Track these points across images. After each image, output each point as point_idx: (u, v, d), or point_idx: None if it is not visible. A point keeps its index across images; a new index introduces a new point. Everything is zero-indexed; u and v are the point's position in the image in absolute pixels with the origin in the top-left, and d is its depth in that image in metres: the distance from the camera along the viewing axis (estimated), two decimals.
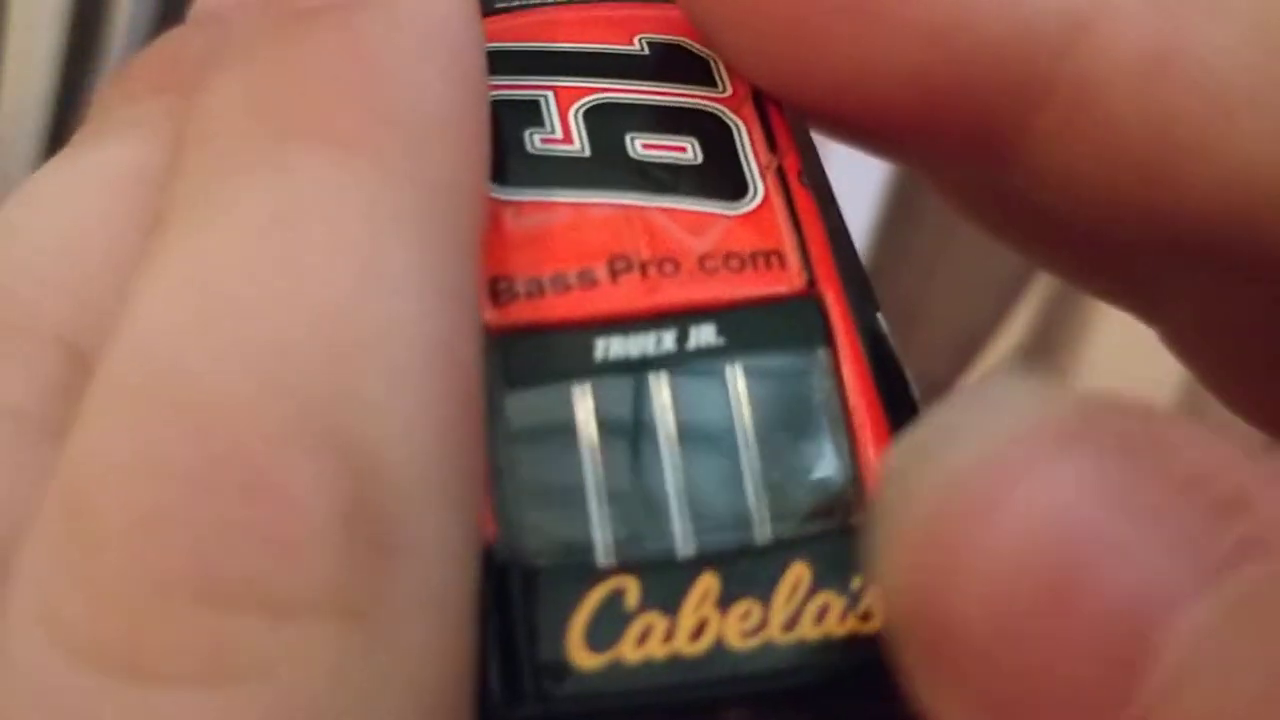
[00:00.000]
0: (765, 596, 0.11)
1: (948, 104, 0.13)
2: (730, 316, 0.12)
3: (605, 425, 0.11)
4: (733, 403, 0.12)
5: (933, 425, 0.10)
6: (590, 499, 0.11)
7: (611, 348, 0.12)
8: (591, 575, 0.11)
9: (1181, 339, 0.16)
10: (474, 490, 0.11)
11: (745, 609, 0.11)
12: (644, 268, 0.12)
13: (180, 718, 0.09)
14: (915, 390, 0.12)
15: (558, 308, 0.12)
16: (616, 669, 0.11)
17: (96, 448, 0.10)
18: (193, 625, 0.09)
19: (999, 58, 0.12)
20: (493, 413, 0.11)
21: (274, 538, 0.09)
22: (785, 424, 0.12)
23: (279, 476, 0.09)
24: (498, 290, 0.12)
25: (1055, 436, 0.10)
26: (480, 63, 0.12)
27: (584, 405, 0.12)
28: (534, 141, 0.13)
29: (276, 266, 0.10)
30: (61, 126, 0.44)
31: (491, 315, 0.12)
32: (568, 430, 0.11)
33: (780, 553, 0.11)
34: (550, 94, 0.13)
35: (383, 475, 0.10)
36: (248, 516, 0.09)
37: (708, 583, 0.11)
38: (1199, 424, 0.10)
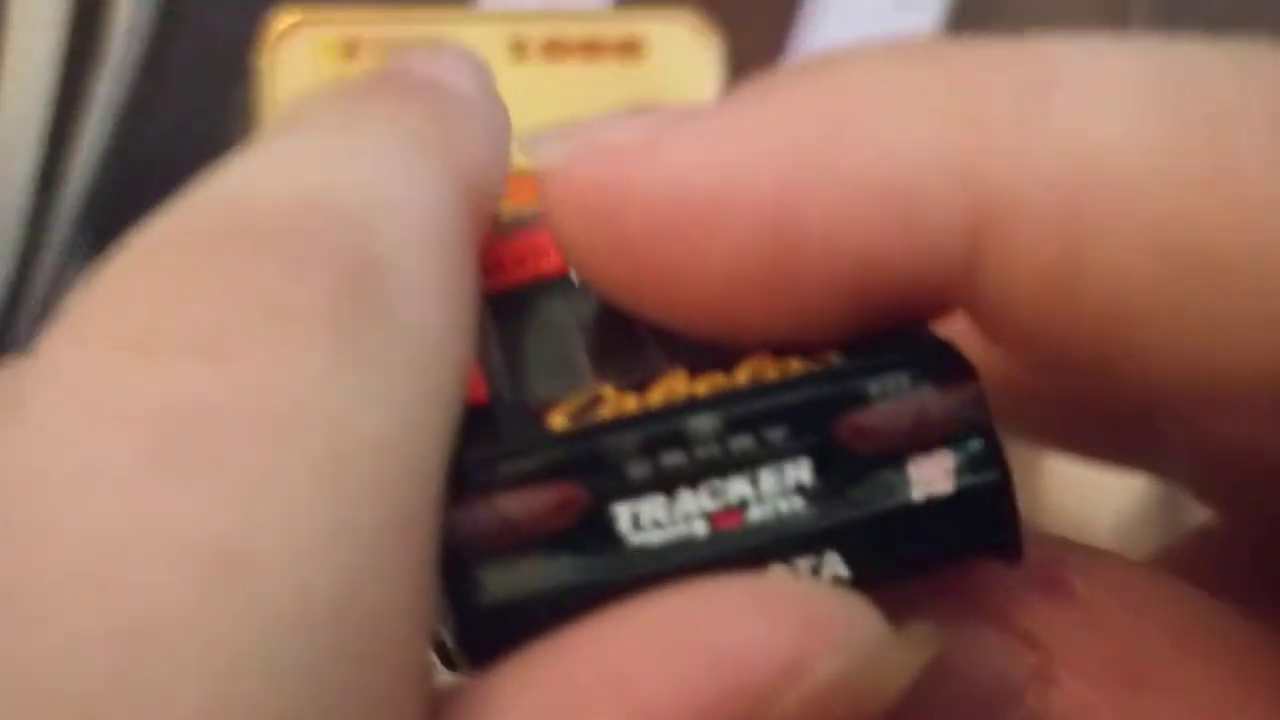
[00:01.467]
0: (729, 369, 0.12)
1: (868, 311, 0.12)
2: None
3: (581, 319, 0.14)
4: None
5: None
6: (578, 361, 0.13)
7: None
8: (572, 384, 0.13)
9: (1201, 485, 0.17)
10: (465, 274, 0.12)
11: (709, 380, 0.12)
12: None
13: (175, 385, 0.10)
14: None
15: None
16: (591, 424, 0.12)
17: None
18: (202, 311, 0.11)
19: (909, 286, 0.12)
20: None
21: (282, 255, 0.11)
22: None
23: (296, 237, 0.11)
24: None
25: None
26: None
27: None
28: None
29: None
30: (61, 126, 0.44)
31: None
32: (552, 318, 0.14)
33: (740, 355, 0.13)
34: None
35: (385, 243, 0.12)
36: (260, 238, 0.11)
37: (676, 374, 0.13)
38: (1007, 573, 0.13)
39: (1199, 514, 0.17)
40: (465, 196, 0.13)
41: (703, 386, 0.12)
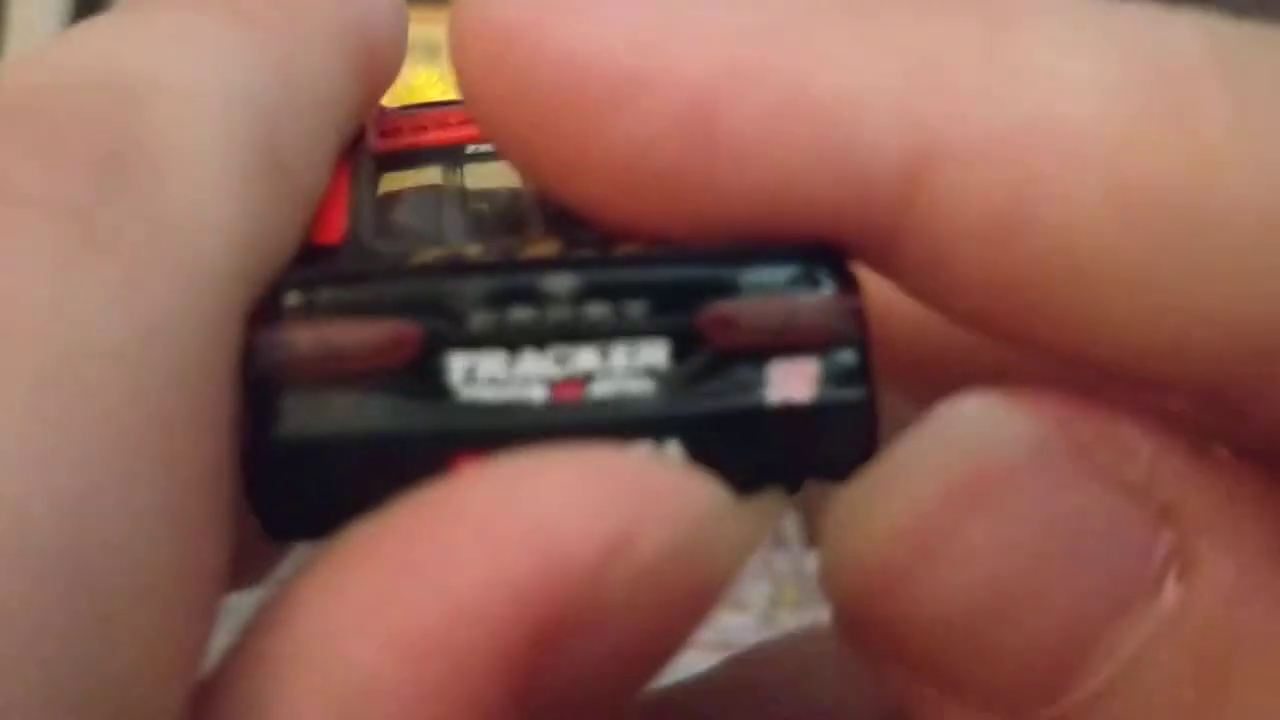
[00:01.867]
0: (607, 246, 0.12)
1: (780, 232, 0.11)
2: None
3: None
4: None
5: (896, 458, 0.11)
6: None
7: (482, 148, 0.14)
8: (439, 244, 0.12)
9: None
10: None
11: (581, 253, 0.12)
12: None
13: None
14: None
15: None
16: (438, 265, 0.11)
17: None
18: None
19: (829, 210, 0.11)
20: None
21: (32, 137, 0.10)
22: None
23: (53, 119, 0.10)
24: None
25: (1012, 466, 0.10)
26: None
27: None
28: None
29: None
30: None
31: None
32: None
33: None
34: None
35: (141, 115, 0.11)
36: (14, 121, 0.10)
37: (547, 245, 0.12)
38: (1154, 428, 0.11)
39: None
40: (293, 77, 0.12)
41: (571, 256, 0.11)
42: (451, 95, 0.13)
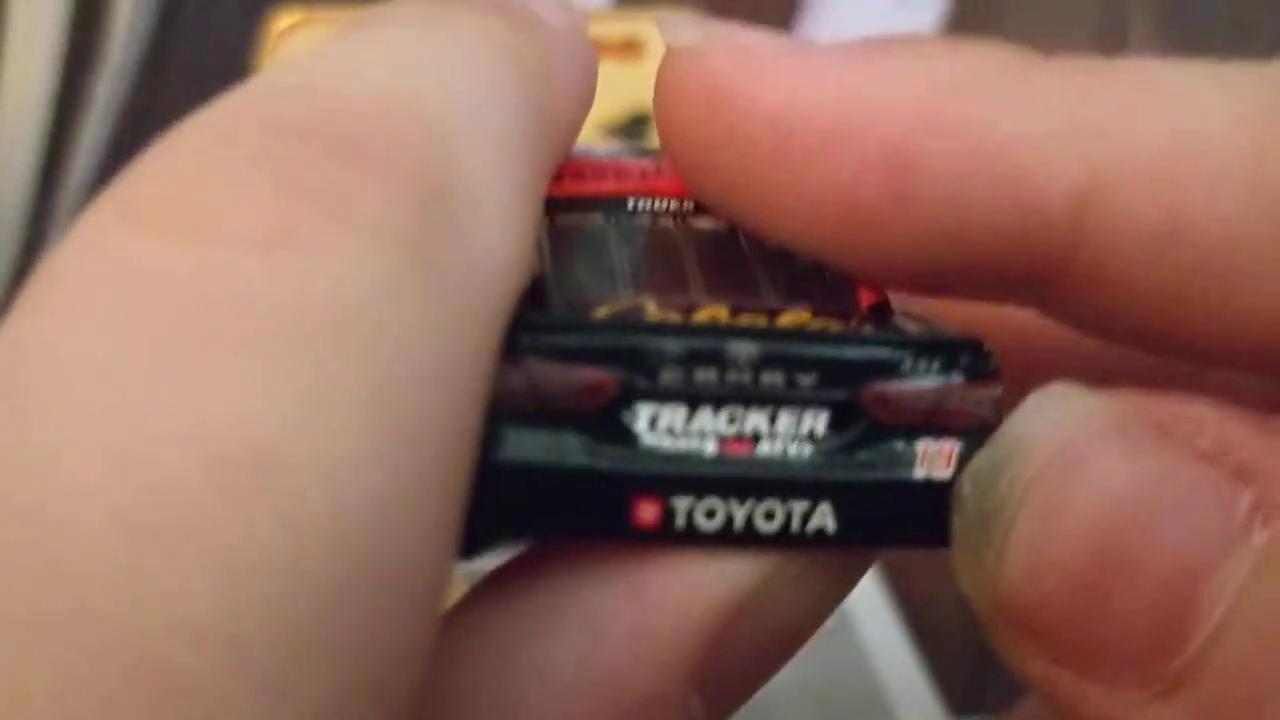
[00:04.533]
0: (771, 317, 0.13)
1: (969, 274, 0.13)
2: None
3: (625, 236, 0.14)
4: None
5: (1002, 439, 0.12)
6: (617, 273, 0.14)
7: (640, 203, 0.15)
8: (615, 291, 0.13)
9: None
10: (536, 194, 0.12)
11: (750, 318, 0.13)
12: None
13: (230, 276, 0.10)
14: None
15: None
16: (639, 322, 0.13)
17: None
18: (266, 205, 0.10)
19: (1010, 241, 0.13)
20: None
21: (359, 157, 0.11)
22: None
23: (376, 141, 0.11)
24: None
25: (1101, 436, 0.12)
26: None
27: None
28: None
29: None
30: (62, 126, 0.44)
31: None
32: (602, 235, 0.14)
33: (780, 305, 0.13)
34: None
35: (455, 163, 0.11)
36: (339, 137, 0.11)
37: (718, 307, 0.13)
38: (1216, 406, 0.12)
39: None
40: (549, 123, 0.13)
41: (744, 322, 0.13)
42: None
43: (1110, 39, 0.40)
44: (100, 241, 0.10)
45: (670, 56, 0.13)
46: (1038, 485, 0.12)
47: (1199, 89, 0.13)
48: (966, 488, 0.12)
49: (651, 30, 0.39)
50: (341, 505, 0.09)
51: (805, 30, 0.43)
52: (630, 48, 0.39)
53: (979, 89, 0.13)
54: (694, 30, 0.13)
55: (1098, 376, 0.13)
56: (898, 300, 0.14)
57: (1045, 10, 0.41)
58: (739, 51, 0.13)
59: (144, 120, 0.43)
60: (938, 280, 0.13)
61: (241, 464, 0.09)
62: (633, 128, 0.39)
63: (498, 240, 0.11)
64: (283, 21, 0.41)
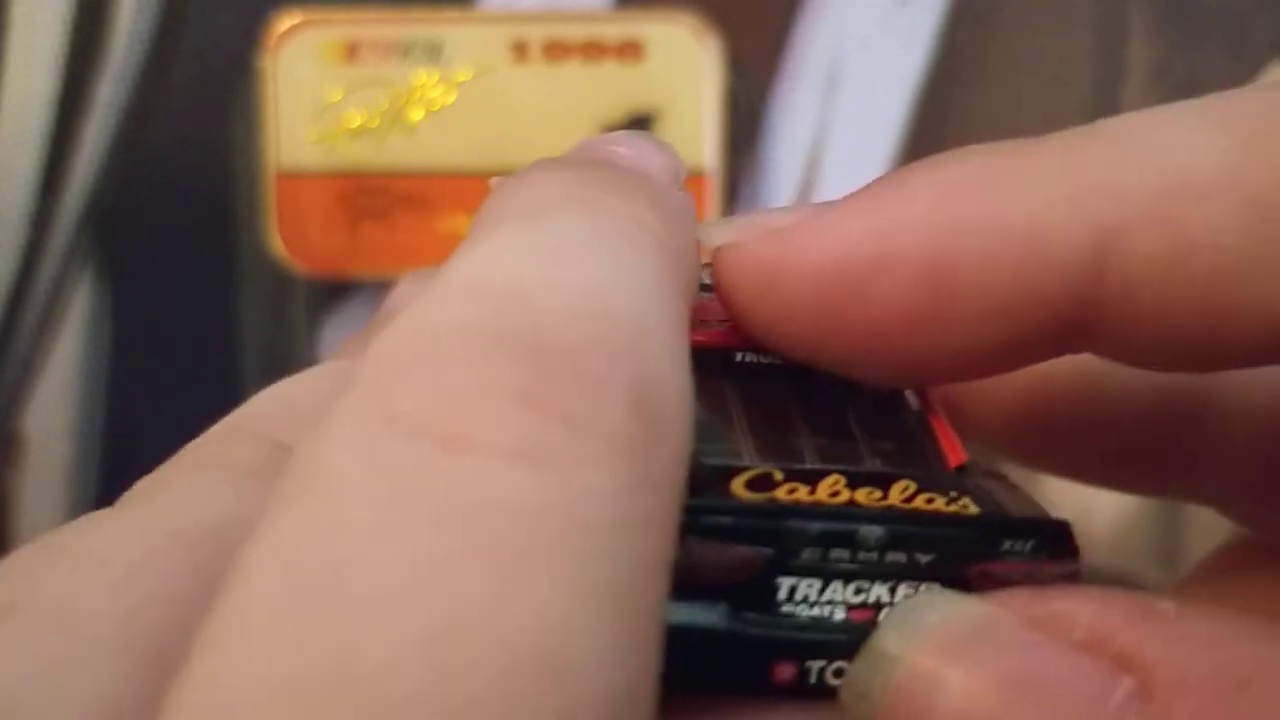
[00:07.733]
0: (884, 489, 0.15)
1: (1021, 345, 0.15)
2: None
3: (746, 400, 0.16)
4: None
5: (869, 651, 0.14)
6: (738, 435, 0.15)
7: (747, 357, 0.17)
8: (742, 464, 0.15)
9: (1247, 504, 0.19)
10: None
11: (869, 490, 0.15)
12: None
13: (492, 485, 0.11)
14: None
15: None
16: (782, 505, 0.14)
17: None
18: (513, 418, 0.11)
19: (1046, 302, 0.14)
20: None
21: (585, 376, 0.12)
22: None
23: (595, 356, 0.12)
24: None
25: (964, 640, 0.13)
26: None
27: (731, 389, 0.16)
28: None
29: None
30: (64, 128, 0.44)
31: None
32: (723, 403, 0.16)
33: (888, 471, 0.15)
34: None
35: (656, 386, 0.12)
36: (564, 352, 0.12)
37: (836, 478, 0.15)
38: (1098, 595, 0.13)
39: (1198, 515, 0.18)
40: (691, 297, 0.14)
41: (861, 497, 0.14)
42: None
43: (1110, 39, 0.40)
44: (366, 452, 0.11)
45: (719, 256, 0.15)
46: (903, 697, 0.13)
47: (1175, 132, 0.14)
48: (846, 696, 0.14)
49: (652, 31, 0.39)
50: (608, 694, 0.11)
51: (804, 33, 0.43)
52: (630, 48, 0.39)
53: (988, 186, 0.14)
54: (726, 229, 0.16)
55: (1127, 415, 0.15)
56: (972, 452, 0.16)
57: (1045, 10, 0.41)
58: (771, 234, 0.15)
59: (146, 122, 0.43)
60: (995, 358, 0.15)
61: (534, 660, 0.10)
62: (632, 128, 0.39)
63: (684, 431, 0.12)
64: (284, 23, 0.41)
